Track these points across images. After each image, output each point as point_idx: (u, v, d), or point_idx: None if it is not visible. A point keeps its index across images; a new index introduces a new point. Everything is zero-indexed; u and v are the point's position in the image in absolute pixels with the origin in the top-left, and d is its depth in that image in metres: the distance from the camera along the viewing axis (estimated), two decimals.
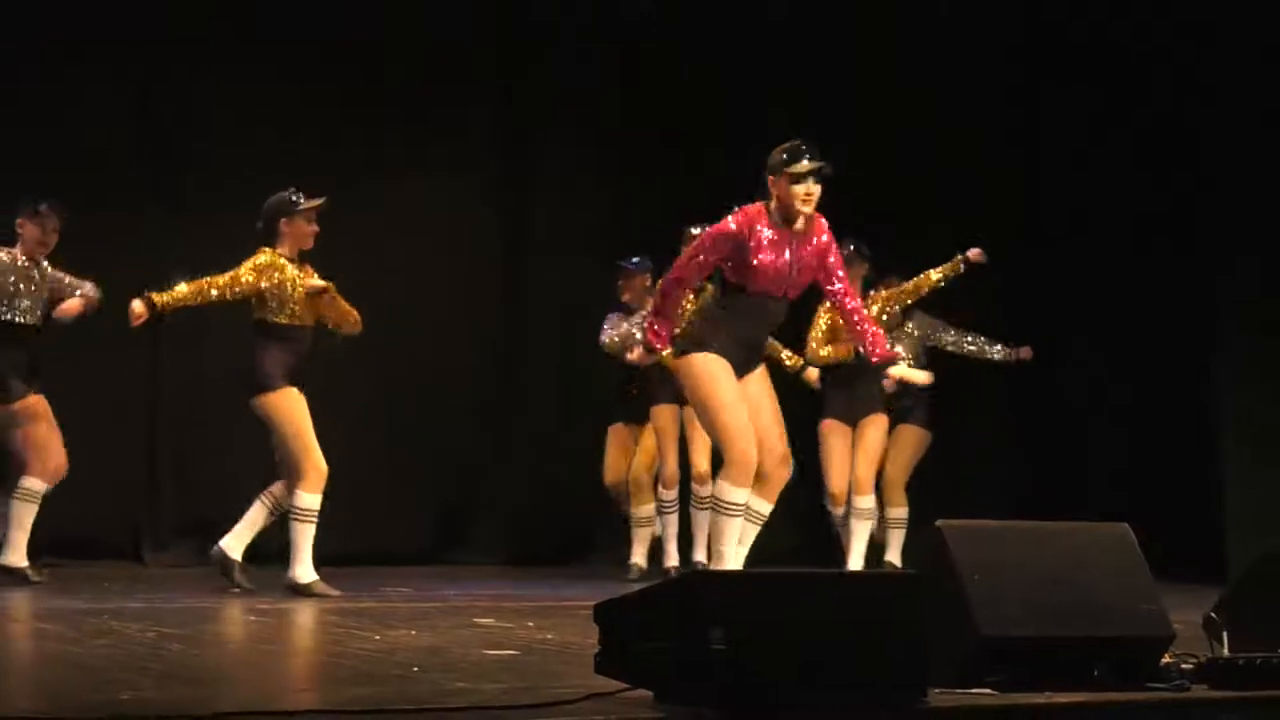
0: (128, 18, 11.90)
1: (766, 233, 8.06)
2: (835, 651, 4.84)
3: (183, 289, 9.41)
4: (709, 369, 8.07)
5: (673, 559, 11.22)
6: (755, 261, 8.01)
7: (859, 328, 8.46)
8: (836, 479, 11.16)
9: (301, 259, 9.65)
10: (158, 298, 9.34)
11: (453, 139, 12.77)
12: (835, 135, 12.80)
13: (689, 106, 12.93)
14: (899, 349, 10.36)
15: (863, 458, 11.19)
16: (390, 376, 12.40)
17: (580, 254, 12.41)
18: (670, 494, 11.25)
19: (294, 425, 9.44)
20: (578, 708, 4.71)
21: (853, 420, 11.20)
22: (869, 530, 11.33)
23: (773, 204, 8.14)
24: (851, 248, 10.81)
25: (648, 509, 11.32)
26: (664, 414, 11.06)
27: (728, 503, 8.09)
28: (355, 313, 9.75)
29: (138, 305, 9.33)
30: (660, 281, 8.49)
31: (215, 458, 11.25)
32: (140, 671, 5.87)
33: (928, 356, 11.45)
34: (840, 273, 8.31)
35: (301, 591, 9.37)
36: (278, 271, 9.47)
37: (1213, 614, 5.79)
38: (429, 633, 7.24)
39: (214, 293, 9.44)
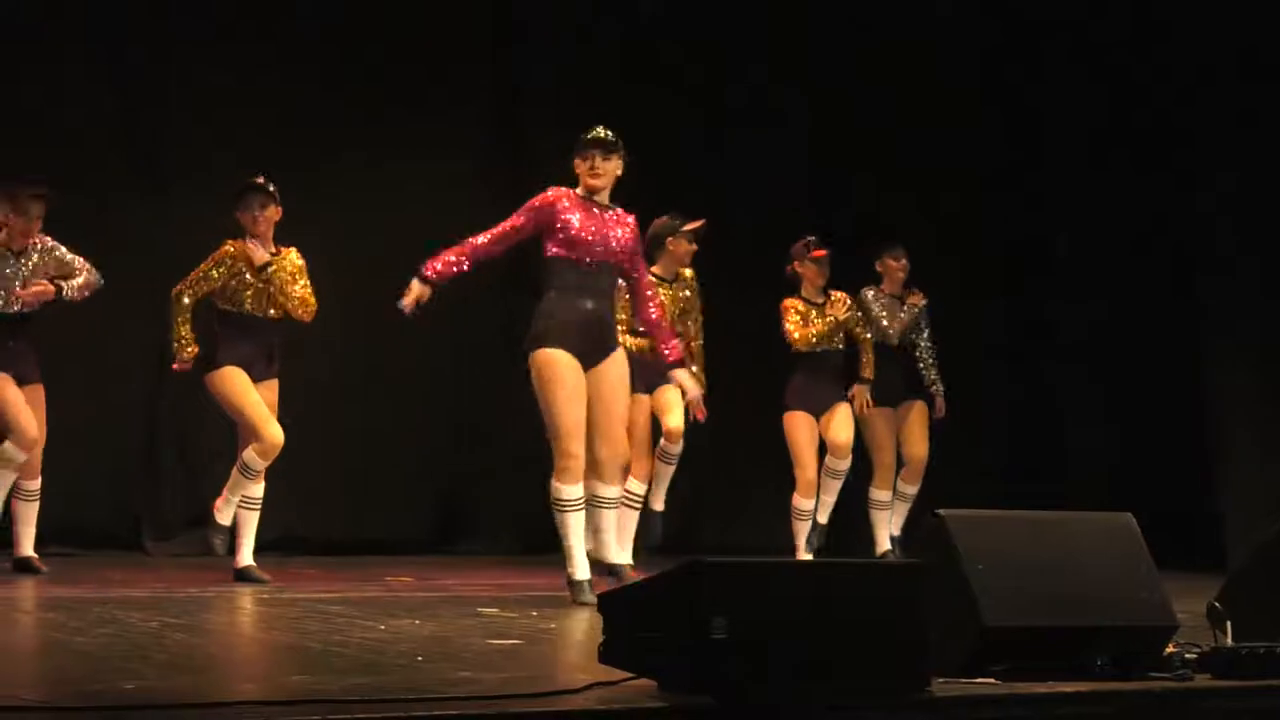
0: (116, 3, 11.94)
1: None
2: (838, 641, 4.84)
3: (182, 315, 9.54)
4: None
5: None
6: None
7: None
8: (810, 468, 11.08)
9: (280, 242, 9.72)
10: (190, 347, 9.54)
11: (448, 120, 12.74)
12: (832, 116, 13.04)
13: (687, 86, 12.96)
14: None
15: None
16: (393, 365, 12.39)
17: None
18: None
19: (234, 403, 9.56)
20: (581, 697, 4.71)
21: (819, 411, 11.10)
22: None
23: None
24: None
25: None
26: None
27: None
28: (304, 301, 9.72)
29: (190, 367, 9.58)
30: None
31: (219, 448, 11.21)
32: (143, 661, 5.88)
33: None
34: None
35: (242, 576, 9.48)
36: (238, 261, 9.56)
37: (1216, 603, 5.79)
38: (432, 622, 7.24)
39: (187, 300, 9.57)
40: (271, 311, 9.64)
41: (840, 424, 11.03)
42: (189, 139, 11.87)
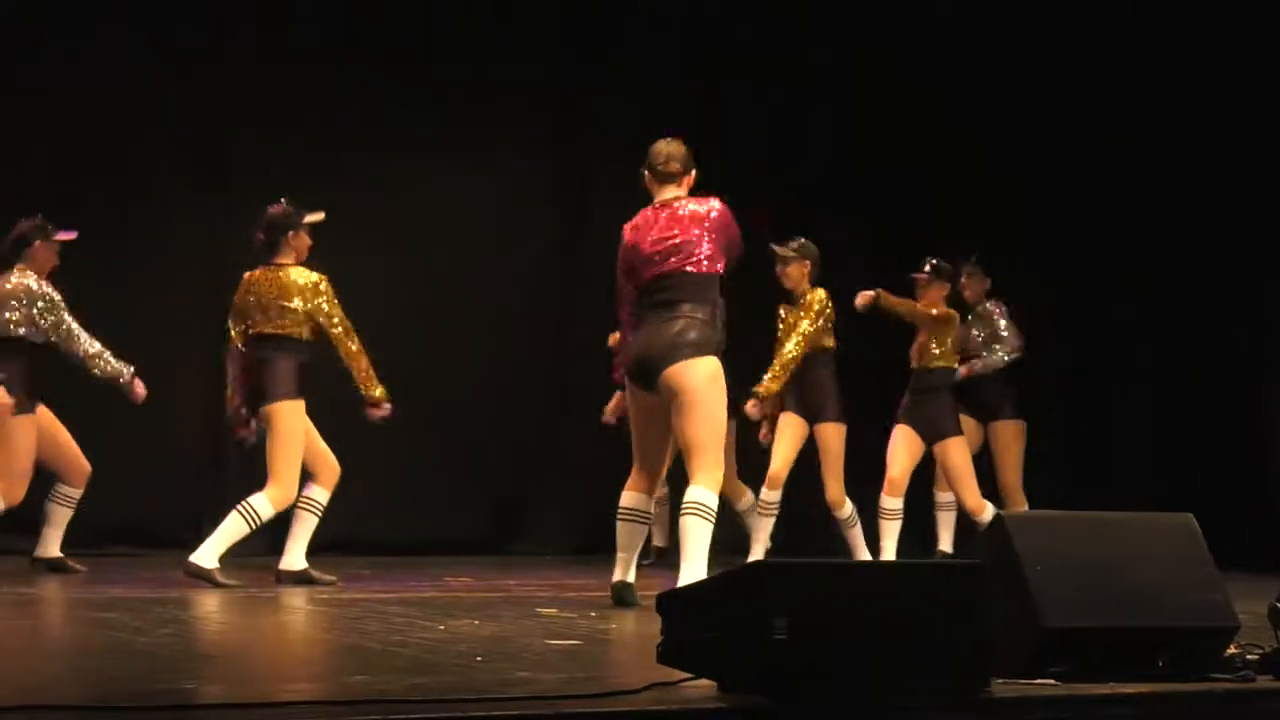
0: (174, 5, 11.99)
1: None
2: (899, 642, 4.83)
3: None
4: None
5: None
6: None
7: None
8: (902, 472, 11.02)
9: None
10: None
11: (511, 126, 12.79)
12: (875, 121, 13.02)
13: (756, 94, 12.98)
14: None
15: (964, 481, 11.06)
16: (450, 368, 12.43)
17: None
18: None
19: (292, 442, 9.46)
20: (640, 697, 4.71)
21: (929, 436, 10.94)
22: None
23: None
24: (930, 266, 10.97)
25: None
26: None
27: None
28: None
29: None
30: None
31: None
32: (204, 660, 5.91)
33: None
34: None
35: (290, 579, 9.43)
36: (253, 294, 9.54)
37: (1278, 604, 5.75)
38: (491, 623, 7.25)
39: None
40: (306, 334, 9.57)
41: (958, 473, 10.96)
42: (248, 143, 11.92)
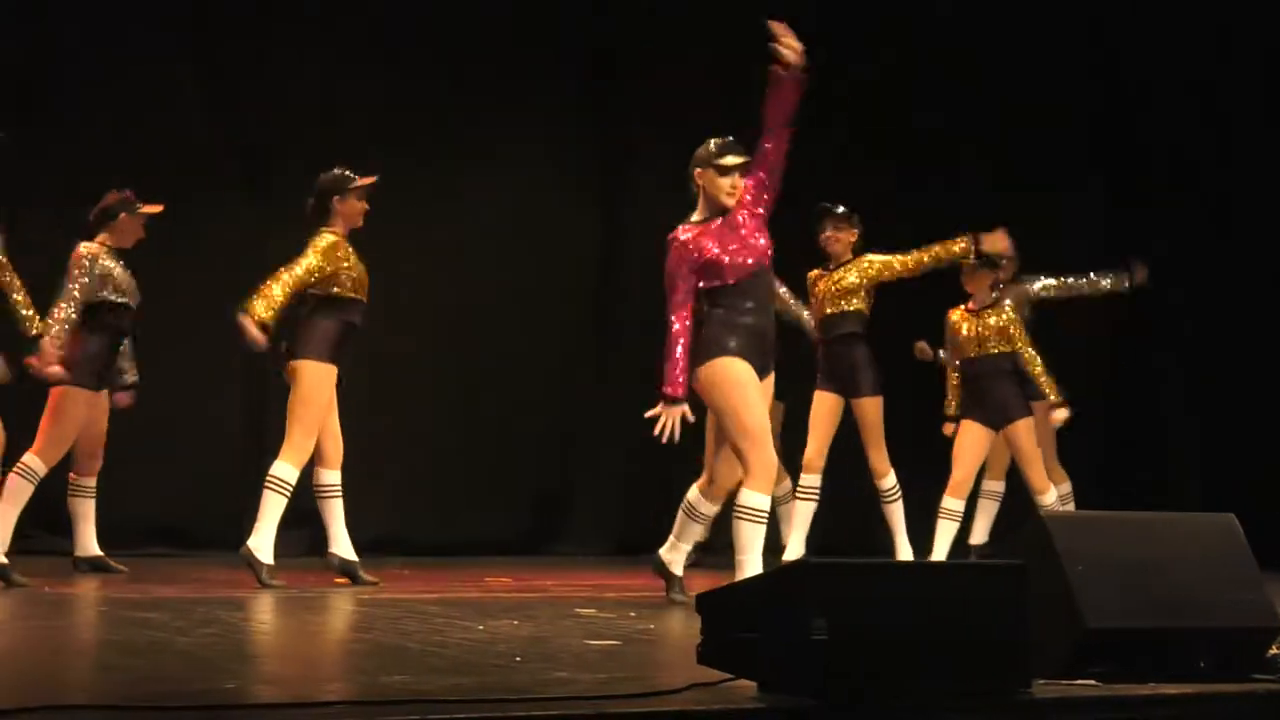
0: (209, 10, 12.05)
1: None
2: (939, 642, 4.82)
3: (276, 292, 9.28)
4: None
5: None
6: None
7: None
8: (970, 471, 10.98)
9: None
10: (264, 314, 9.21)
11: (548, 124, 12.80)
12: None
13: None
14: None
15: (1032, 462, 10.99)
16: (487, 367, 12.44)
17: None
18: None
19: (317, 404, 9.41)
20: (680, 697, 4.70)
21: (997, 423, 10.80)
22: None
23: (700, 201, 8.26)
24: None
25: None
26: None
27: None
28: None
29: (256, 332, 9.21)
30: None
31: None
32: (244, 660, 5.92)
33: (1035, 318, 11.38)
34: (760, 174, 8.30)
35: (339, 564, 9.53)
36: (340, 251, 9.46)
37: None
38: (531, 623, 7.25)
39: (294, 287, 9.31)
40: (350, 290, 9.54)
41: (1027, 456, 10.82)
42: (282, 147, 11.95)
